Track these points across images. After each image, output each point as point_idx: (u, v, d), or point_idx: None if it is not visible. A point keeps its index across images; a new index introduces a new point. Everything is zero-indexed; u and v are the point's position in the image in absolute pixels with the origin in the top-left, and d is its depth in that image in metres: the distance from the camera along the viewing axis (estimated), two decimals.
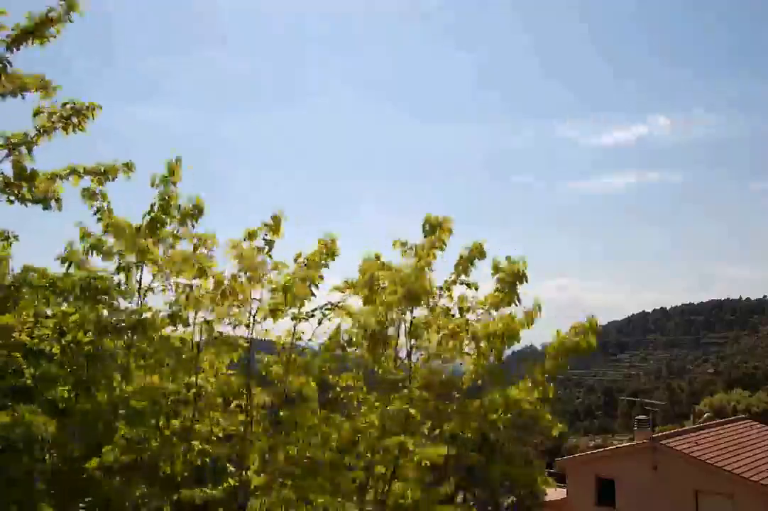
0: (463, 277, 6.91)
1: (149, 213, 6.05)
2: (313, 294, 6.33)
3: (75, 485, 5.27)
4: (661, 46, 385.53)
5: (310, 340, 6.43)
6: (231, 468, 5.98)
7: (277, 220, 6.41)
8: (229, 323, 6.16)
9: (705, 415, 51.49)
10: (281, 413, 6.19)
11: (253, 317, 6.21)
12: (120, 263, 5.94)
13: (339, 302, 6.61)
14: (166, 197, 6.08)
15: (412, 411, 5.96)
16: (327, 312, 6.46)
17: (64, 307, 5.63)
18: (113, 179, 5.82)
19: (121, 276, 5.94)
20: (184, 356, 5.87)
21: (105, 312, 5.69)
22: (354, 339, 6.55)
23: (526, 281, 6.59)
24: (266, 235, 6.40)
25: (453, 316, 6.80)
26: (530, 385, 6.33)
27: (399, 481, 6.09)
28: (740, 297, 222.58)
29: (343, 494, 6.06)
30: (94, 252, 5.88)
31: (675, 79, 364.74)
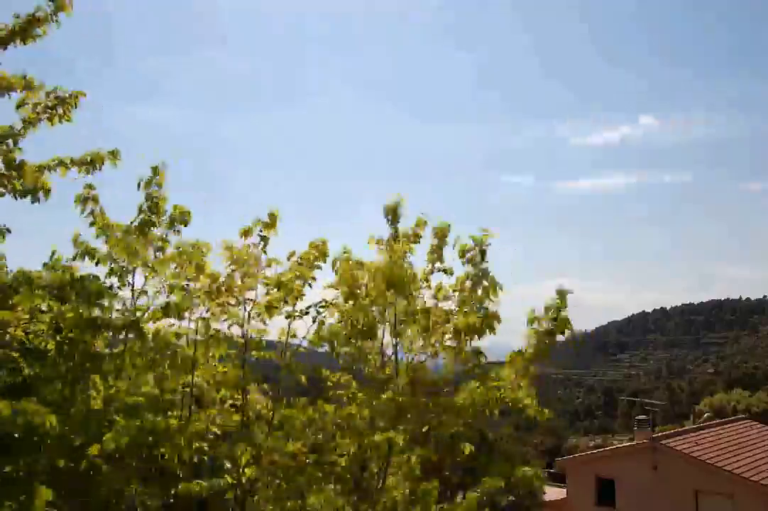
0: (438, 264, 6.91)
1: (138, 215, 6.03)
2: (303, 294, 6.34)
3: (74, 479, 5.25)
4: (661, 46, 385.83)
5: (304, 338, 6.42)
6: (228, 465, 5.97)
7: (272, 216, 6.39)
8: (225, 320, 6.14)
9: (705, 415, 51.50)
10: (273, 410, 6.19)
11: (248, 313, 6.20)
12: (112, 266, 5.92)
13: (333, 299, 6.60)
14: (153, 199, 6.07)
15: (402, 403, 5.98)
16: (321, 310, 6.45)
17: (63, 307, 5.61)
18: (100, 168, 5.83)
19: (114, 279, 5.92)
20: (179, 353, 5.84)
21: (98, 311, 5.66)
22: (339, 333, 6.55)
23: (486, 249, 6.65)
24: (261, 231, 6.38)
25: (432, 306, 6.79)
26: (511, 372, 6.30)
27: (391, 476, 6.08)
28: (740, 297, 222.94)
29: (335, 491, 6.06)
30: (87, 257, 5.85)
31: (675, 79, 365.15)
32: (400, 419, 6.20)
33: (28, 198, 5.48)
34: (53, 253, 5.74)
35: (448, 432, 6.37)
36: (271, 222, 6.38)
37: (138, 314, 5.81)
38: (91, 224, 5.97)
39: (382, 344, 6.66)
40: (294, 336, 6.37)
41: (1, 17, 5.51)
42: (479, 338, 6.37)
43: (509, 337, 7.08)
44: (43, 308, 5.52)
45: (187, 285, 6.06)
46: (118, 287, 5.89)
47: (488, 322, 6.36)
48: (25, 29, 5.46)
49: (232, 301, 6.14)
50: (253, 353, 6.27)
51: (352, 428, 6.12)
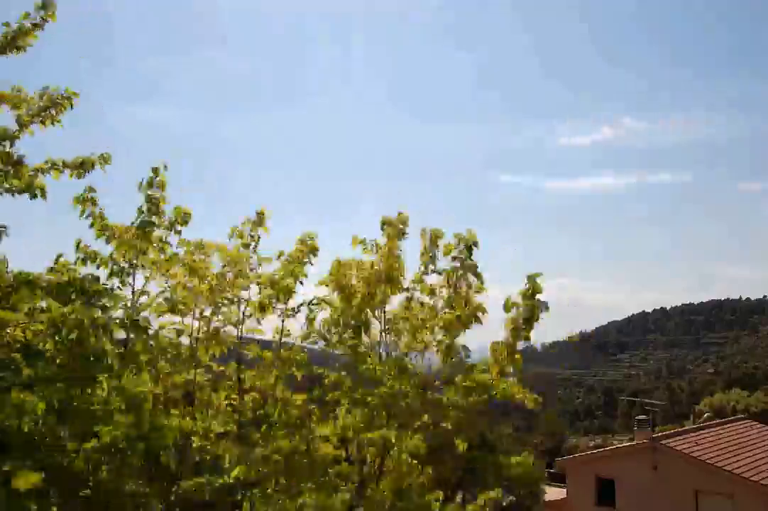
0: (431, 266, 7.00)
1: (138, 216, 6.05)
2: (295, 291, 6.36)
3: (73, 478, 5.24)
4: (661, 46, 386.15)
5: (298, 336, 6.45)
6: (227, 464, 5.97)
7: (260, 215, 6.41)
8: (220, 320, 6.16)
9: (705, 415, 51.51)
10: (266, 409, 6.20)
11: (243, 312, 6.21)
12: (113, 268, 5.93)
13: (325, 296, 6.65)
14: (153, 201, 6.08)
15: (393, 400, 6.01)
16: (314, 307, 6.48)
17: (63, 309, 5.61)
18: (90, 171, 5.87)
19: (115, 281, 5.93)
20: (180, 352, 5.86)
21: (99, 312, 5.66)
22: (332, 329, 6.60)
23: (477, 247, 6.73)
24: (251, 231, 6.40)
25: (422, 304, 6.88)
26: (493, 362, 6.34)
27: (387, 475, 6.10)
28: (740, 297, 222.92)
29: (331, 489, 6.07)
30: (88, 262, 5.87)
31: (675, 79, 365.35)
32: (392, 416, 6.23)
33: (27, 197, 5.51)
34: (58, 257, 5.75)
35: (439, 428, 6.41)
36: (260, 221, 6.39)
37: (140, 311, 5.83)
38: (91, 225, 5.98)
39: (378, 341, 6.71)
40: (288, 335, 6.39)
41: None
42: (466, 330, 6.45)
43: (500, 336, 7.11)
44: (43, 307, 5.51)
45: (187, 285, 6.07)
46: (119, 288, 5.91)
47: (473, 313, 6.43)
48: (17, 40, 5.51)
49: (227, 300, 6.16)
50: (249, 352, 6.28)
51: (349, 429, 6.14)
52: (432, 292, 6.83)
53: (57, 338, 5.35)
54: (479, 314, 6.45)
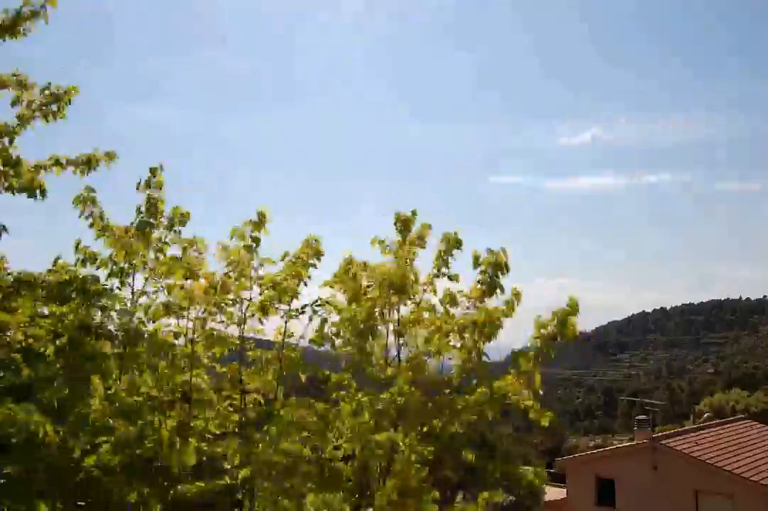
0: (444, 269, 6.94)
1: (137, 216, 6.04)
2: (298, 293, 6.34)
3: (74, 483, 5.24)
4: (661, 46, 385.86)
5: (302, 337, 6.42)
6: (227, 465, 5.96)
7: (261, 215, 6.38)
8: (221, 321, 6.15)
9: (705, 415, 51.51)
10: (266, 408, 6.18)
11: (244, 313, 6.19)
12: (113, 269, 5.93)
13: (330, 297, 6.61)
14: (152, 201, 6.07)
15: (402, 404, 5.98)
16: (317, 308, 6.45)
17: (63, 308, 5.60)
18: (95, 169, 5.84)
19: (114, 281, 5.93)
20: (177, 352, 5.85)
21: (98, 312, 5.66)
22: (341, 332, 6.56)
23: (507, 271, 6.60)
24: (251, 231, 6.37)
25: (437, 310, 6.81)
26: (516, 376, 6.28)
27: (392, 477, 6.08)
28: (740, 297, 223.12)
29: (334, 490, 6.05)
30: (88, 263, 5.86)
31: (675, 79, 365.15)
32: (401, 420, 6.20)
33: (26, 196, 5.50)
34: (57, 259, 5.74)
35: (447, 433, 6.37)
36: (261, 221, 6.36)
37: (138, 314, 5.83)
38: (91, 226, 5.98)
39: (386, 344, 6.68)
40: (291, 336, 6.36)
41: None
42: (490, 337, 6.35)
43: (509, 337, 7.08)
44: (45, 311, 5.51)
45: (184, 285, 6.06)
46: (119, 288, 5.90)
47: (506, 314, 6.37)
48: (15, 26, 5.47)
49: (228, 301, 6.14)
50: (250, 353, 6.27)
51: (355, 432, 6.12)
52: (453, 300, 6.71)
53: (57, 343, 5.35)
54: (496, 330, 6.36)
